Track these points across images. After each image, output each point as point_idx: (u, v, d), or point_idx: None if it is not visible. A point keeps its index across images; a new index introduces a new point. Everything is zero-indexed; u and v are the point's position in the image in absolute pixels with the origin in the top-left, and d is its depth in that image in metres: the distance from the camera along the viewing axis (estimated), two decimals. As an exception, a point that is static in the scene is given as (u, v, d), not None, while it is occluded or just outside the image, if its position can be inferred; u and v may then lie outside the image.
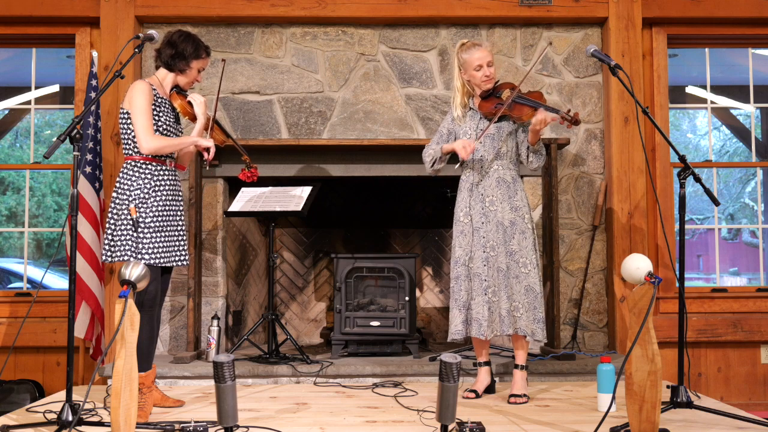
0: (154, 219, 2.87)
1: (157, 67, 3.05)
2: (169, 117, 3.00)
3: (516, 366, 3.18)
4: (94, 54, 3.88)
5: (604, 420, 2.33)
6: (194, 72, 3.04)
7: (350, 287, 4.00)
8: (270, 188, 3.92)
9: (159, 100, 2.96)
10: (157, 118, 2.91)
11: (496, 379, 3.65)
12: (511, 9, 4.10)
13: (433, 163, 3.24)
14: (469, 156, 3.07)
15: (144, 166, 2.90)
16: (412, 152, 4.18)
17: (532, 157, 3.15)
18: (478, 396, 3.18)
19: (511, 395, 3.10)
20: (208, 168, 3.11)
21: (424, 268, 4.89)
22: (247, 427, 2.60)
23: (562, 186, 4.19)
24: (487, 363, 3.28)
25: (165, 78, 3.03)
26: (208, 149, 3.02)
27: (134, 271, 2.35)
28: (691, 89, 5.09)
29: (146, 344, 2.87)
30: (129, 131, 2.91)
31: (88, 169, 3.71)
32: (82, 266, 3.62)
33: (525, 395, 3.10)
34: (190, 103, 3.08)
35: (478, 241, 3.11)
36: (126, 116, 2.91)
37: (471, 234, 3.14)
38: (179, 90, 3.06)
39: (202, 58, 3.04)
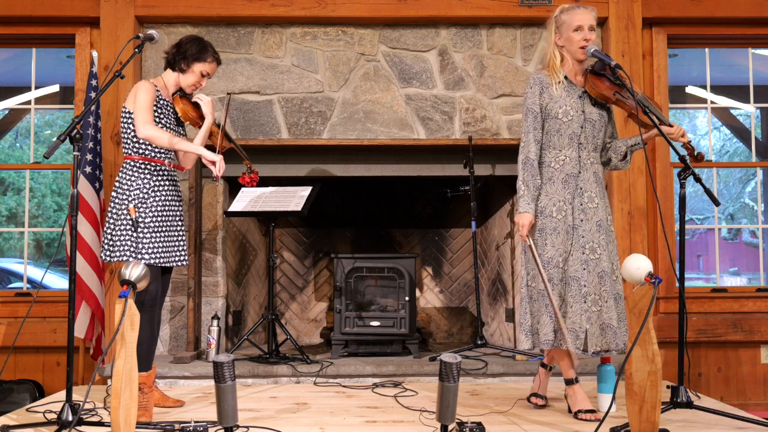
0: (154, 219, 2.87)
1: (165, 68, 3.06)
2: (170, 119, 3.00)
3: (576, 380, 2.81)
4: (94, 54, 3.88)
5: (604, 420, 2.33)
6: (197, 74, 3.02)
7: (350, 287, 4.00)
8: (270, 188, 3.92)
9: (161, 102, 2.96)
10: (157, 119, 2.91)
11: (497, 379, 3.65)
12: (511, 9, 4.10)
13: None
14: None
15: (143, 166, 2.90)
16: (412, 152, 4.19)
17: (629, 158, 2.87)
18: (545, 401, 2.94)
19: (586, 411, 2.74)
20: (218, 183, 2.99)
21: (424, 268, 4.89)
22: (247, 427, 2.60)
23: (562, 186, 4.18)
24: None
25: (170, 80, 3.04)
26: (215, 163, 2.92)
27: (134, 271, 2.35)
28: (691, 89, 5.09)
29: (146, 344, 2.87)
30: (129, 130, 2.91)
31: (88, 169, 3.71)
32: (82, 266, 3.62)
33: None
34: (195, 104, 3.08)
35: (576, 241, 2.73)
36: (127, 115, 2.91)
37: (565, 232, 2.74)
38: (183, 93, 3.06)
39: (207, 62, 3.02)
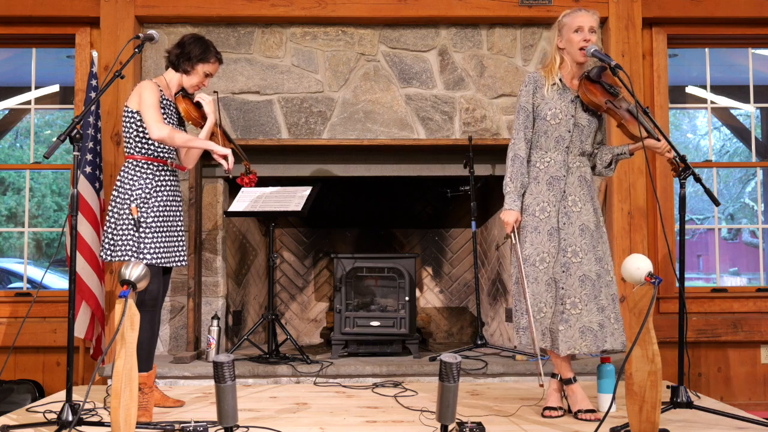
0: (156, 219, 2.87)
1: (166, 68, 3.06)
2: (172, 119, 3.00)
3: (574, 380, 2.83)
4: (94, 54, 3.88)
5: (604, 420, 2.33)
6: (200, 75, 3.02)
7: (350, 287, 4.00)
8: (270, 188, 3.92)
9: (164, 101, 2.96)
10: (159, 118, 2.92)
11: (497, 379, 3.65)
12: (511, 9, 4.10)
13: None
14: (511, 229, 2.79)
15: (145, 166, 2.90)
16: (412, 152, 4.19)
17: (614, 166, 2.90)
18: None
19: (586, 411, 2.75)
20: (231, 177, 3.00)
21: (424, 268, 4.89)
22: (247, 427, 2.60)
23: (562, 186, 4.18)
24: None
25: (172, 80, 3.04)
26: (226, 157, 2.96)
27: (134, 271, 2.35)
28: (691, 89, 5.09)
29: (147, 344, 2.87)
30: (131, 130, 2.91)
31: (88, 169, 3.71)
32: (82, 266, 3.62)
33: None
34: (197, 104, 3.08)
35: (557, 244, 2.75)
36: (130, 115, 2.91)
37: (548, 233, 2.75)
38: (185, 93, 3.07)
39: (210, 63, 3.02)
